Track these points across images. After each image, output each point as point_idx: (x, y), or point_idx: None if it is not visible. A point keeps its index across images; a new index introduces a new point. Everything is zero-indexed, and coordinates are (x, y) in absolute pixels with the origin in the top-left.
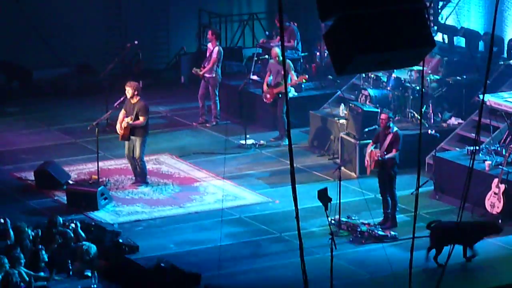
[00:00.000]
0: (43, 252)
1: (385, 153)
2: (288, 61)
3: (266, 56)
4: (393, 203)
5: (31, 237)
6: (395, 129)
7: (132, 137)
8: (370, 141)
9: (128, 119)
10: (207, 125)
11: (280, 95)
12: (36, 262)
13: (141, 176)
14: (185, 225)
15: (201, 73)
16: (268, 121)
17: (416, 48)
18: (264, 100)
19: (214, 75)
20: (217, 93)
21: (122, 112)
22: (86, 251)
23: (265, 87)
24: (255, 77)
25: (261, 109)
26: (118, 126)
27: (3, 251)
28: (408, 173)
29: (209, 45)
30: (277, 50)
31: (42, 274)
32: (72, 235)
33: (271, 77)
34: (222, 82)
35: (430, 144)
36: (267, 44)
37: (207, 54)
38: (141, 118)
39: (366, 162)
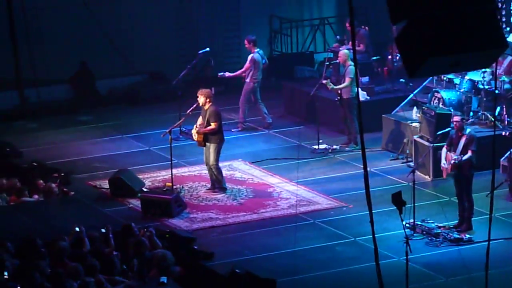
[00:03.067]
0: (117, 259)
1: (461, 155)
2: (350, 65)
3: (338, 61)
4: (469, 205)
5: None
6: (468, 130)
7: (206, 144)
8: (444, 144)
9: (198, 126)
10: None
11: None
12: (111, 269)
13: (217, 182)
14: (259, 230)
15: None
16: (341, 126)
17: (488, 49)
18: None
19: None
20: (248, 98)
21: (199, 119)
22: (162, 258)
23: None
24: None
25: (333, 114)
26: (193, 132)
27: (79, 259)
28: (483, 175)
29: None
30: (343, 53)
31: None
32: (148, 242)
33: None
34: (295, 87)
35: (504, 146)
36: (339, 49)
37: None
38: (213, 124)
39: (442, 165)
